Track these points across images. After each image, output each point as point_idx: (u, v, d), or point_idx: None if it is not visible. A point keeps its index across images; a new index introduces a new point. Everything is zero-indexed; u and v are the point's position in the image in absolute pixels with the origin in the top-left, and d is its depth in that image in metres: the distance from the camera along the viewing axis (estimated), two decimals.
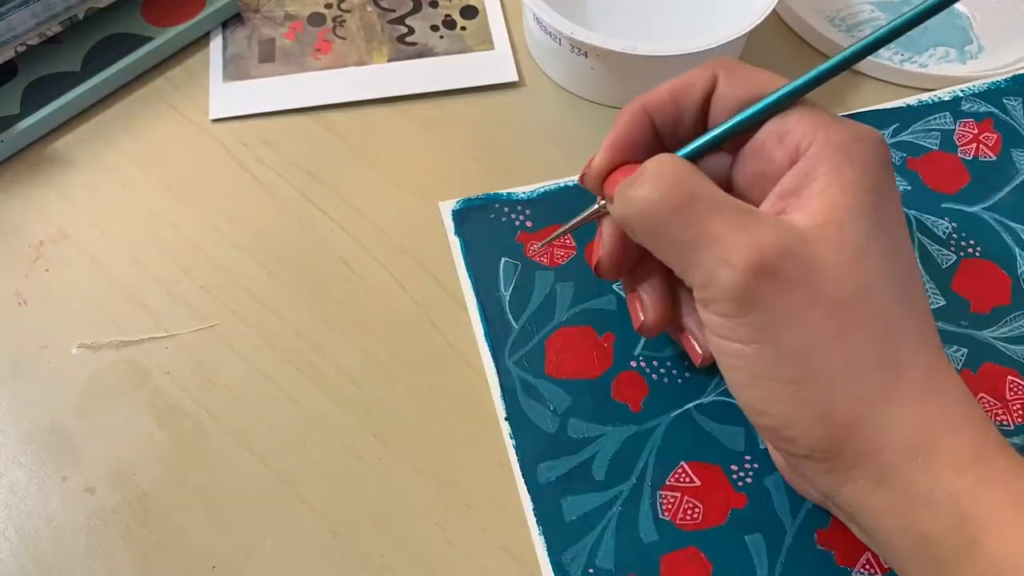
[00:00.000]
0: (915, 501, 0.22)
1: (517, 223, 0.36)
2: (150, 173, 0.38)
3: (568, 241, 0.36)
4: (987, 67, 0.42)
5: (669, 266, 0.25)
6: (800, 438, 0.23)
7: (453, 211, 0.37)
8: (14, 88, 0.39)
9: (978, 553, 0.21)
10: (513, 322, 0.34)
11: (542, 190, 0.37)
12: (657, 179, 0.24)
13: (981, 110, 0.40)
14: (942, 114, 0.39)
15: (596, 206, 0.29)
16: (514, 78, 0.41)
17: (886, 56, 0.42)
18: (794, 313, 0.22)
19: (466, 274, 0.35)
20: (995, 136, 0.39)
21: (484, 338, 0.33)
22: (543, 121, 0.40)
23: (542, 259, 0.35)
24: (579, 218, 0.30)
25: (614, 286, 0.35)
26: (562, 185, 0.37)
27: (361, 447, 0.31)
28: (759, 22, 0.37)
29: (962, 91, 0.40)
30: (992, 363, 0.33)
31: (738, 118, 0.26)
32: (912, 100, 0.40)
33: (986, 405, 0.32)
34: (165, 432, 0.32)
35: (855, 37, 0.43)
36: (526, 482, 0.30)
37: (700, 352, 0.29)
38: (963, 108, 0.40)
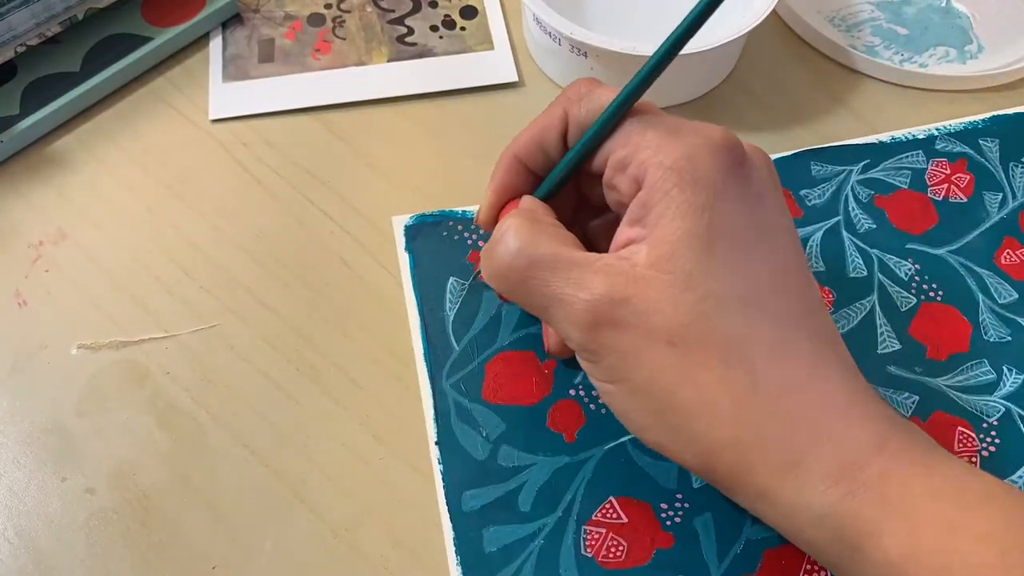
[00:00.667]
0: (797, 514, 0.23)
1: (469, 241, 0.36)
2: (150, 173, 0.38)
3: None
4: (987, 67, 0.42)
5: None
6: (676, 460, 0.25)
7: (406, 226, 0.36)
8: (14, 88, 0.39)
9: (863, 560, 0.22)
10: (454, 343, 0.33)
11: None
12: (507, 250, 0.25)
13: (956, 150, 0.39)
14: (915, 152, 0.39)
15: None
16: (514, 78, 0.41)
17: (886, 56, 0.42)
18: (637, 353, 0.23)
19: (412, 292, 0.34)
20: (968, 177, 0.38)
21: (423, 359, 0.33)
22: None
23: None
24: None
25: None
26: None
27: (361, 447, 0.31)
28: (759, 22, 0.37)
29: (937, 130, 0.39)
30: (943, 412, 0.32)
31: (573, 150, 0.27)
32: (885, 137, 0.39)
33: None
34: (165, 432, 0.32)
35: (855, 37, 0.43)
36: (449, 510, 0.30)
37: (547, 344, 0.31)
38: (937, 147, 0.39)
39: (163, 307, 0.34)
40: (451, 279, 0.35)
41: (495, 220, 0.30)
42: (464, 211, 0.36)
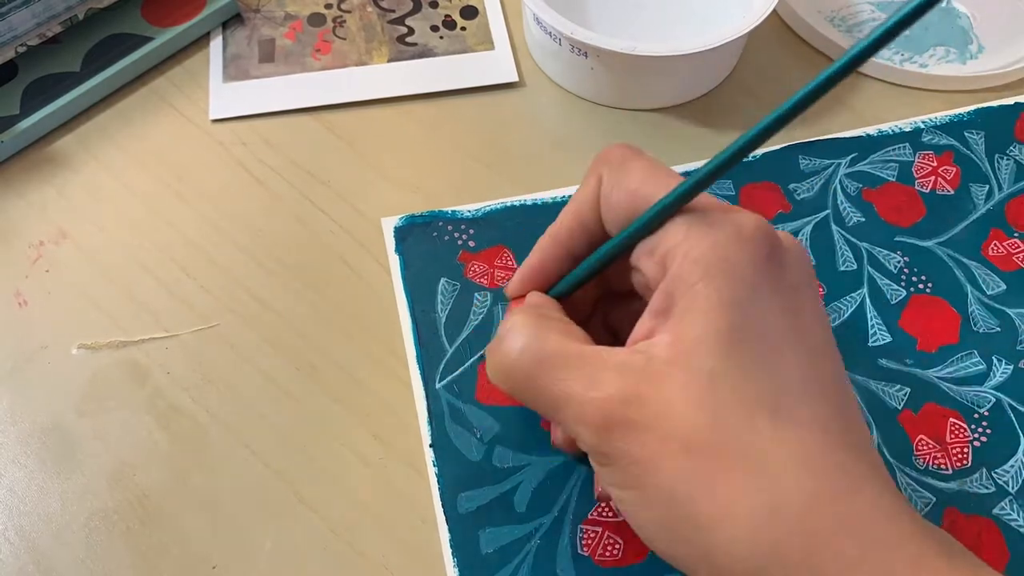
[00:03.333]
0: None
1: (460, 242, 0.35)
2: (150, 173, 0.38)
3: (509, 262, 0.35)
4: (987, 67, 0.42)
5: None
6: (689, 574, 0.22)
7: (395, 228, 0.36)
8: (14, 88, 0.39)
9: None
10: (447, 344, 0.33)
11: (487, 209, 0.36)
12: (511, 347, 0.24)
13: (942, 142, 0.39)
14: (902, 145, 0.39)
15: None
16: (514, 78, 0.41)
17: (886, 56, 0.42)
18: (652, 459, 0.21)
19: (403, 294, 0.34)
20: (954, 170, 0.38)
21: (416, 361, 0.33)
22: (543, 121, 0.40)
23: (482, 280, 0.35)
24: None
25: None
26: (508, 204, 0.37)
27: (361, 447, 0.31)
28: (759, 22, 0.37)
29: (923, 123, 0.39)
30: (934, 404, 0.32)
31: (595, 255, 0.25)
32: (872, 130, 0.39)
33: (925, 448, 0.31)
34: (165, 432, 0.32)
35: (855, 37, 0.43)
36: (445, 512, 0.29)
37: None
38: (923, 140, 0.39)
39: (163, 307, 0.34)
40: (442, 280, 0.34)
41: (523, 295, 0.28)
42: (454, 211, 0.36)
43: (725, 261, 0.22)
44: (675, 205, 0.22)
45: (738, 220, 0.22)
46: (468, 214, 0.36)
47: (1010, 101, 0.40)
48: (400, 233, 0.36)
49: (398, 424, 0.32)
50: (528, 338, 0.24)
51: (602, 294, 0.29)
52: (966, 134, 0.39)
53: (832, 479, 0.21)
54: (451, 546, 0.29)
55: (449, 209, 0.36)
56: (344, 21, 0.44)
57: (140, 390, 0.33)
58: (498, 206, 0.36)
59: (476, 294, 0.34)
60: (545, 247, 0.27)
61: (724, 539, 0.21)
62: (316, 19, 0.44)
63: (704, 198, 0.23)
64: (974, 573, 0.21)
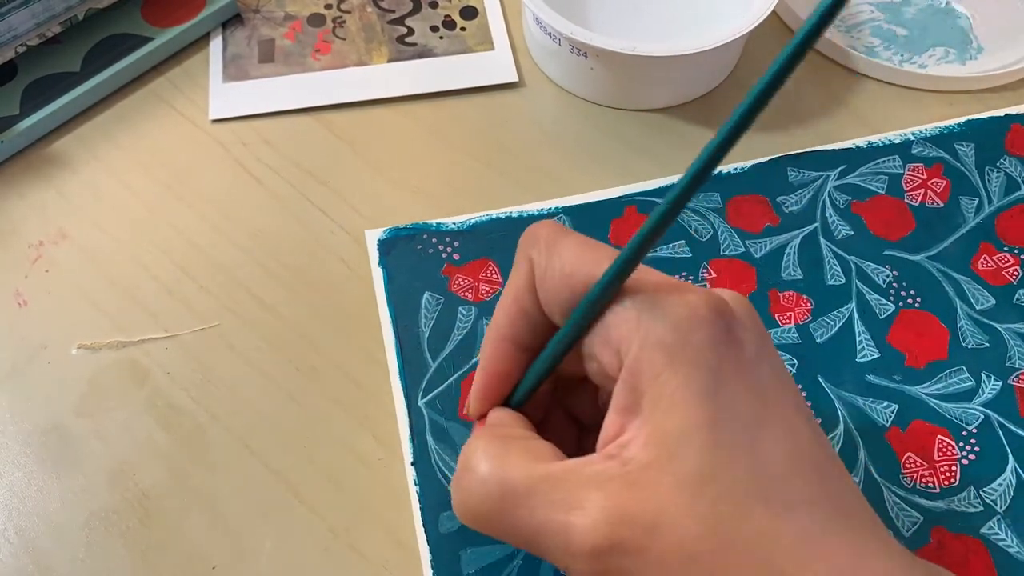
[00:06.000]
0: None
1: (444, 255, 0.35)
2: (150, 173, 0.38)
3: (494, 275, 0.35)
4: (987, 67, 0.42)
5: None
6: None
7: (379, 240, 0.35)
8: (14, 88, 0.39)
9: None
10: (430, 360, 0.33)
11: (472, 221, 0.36)
12: (472, 482, 0.22)
13: (932, 155, 0.38)
14: (891, 157, 0.38)
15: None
16: (514, 78, 0.41)
17: (885, 57, 0.42)
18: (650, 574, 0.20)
19: (386, 308, 0.34)
20: (944, 182, 0.38)
21: (398, 377, 0.32)
22: (543, 121, 0.40)
23: (466, 294, 0.34)
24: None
25: None
26: (493, 216, 0.36)
27: (361, 447, 0.31)
28: (759, 22, 0.37)
29: (913, 134, 0.39)
30: (922, 421, 0.32)
31: (541, 359, 0.24)
32: (861, 142, 0.39)
33: (913, 466, 0.31)
34: (165, 432, 0.32)
35: (855, 38, 0.43)
36: (426, 532, 0.29)
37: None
38: (913, 152, 0.38)
39: (163, 307, 0.34)
40: (426, 294, 0.34)
41: (485, 413, 0.26)
42: (439, 223, 0.36)
43: (685, 347, 0.20)
44: (616, 282, 0.21)
45: (690, 300, 0.21)
46: (453, 226, 0.36)
47: (1000, 113, 0.40)
48: (384, 246, 0.35)
49: (398, 424, 0.32)
50: (489, 469, 0.22)
51: (556, 383, 0.27)
52: (956, 146, 0.39)
53: (840, 556, 0.20)
54: (432, 567, 0.29)
55: (434, 221, 0.36)
56: (344, 21, 0.44)
57: (140, 390, 0.33)
58: (483, 218, 0.36)
59: (460, 308, 0.34)
60: (492, 348, 0.25)
61: None
62: (316, 19, 0.44)
63: (649, 275, 0.22)
64: None
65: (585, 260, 0.22)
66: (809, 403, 0.31)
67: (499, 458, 0.22)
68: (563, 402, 0.27)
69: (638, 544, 0.19)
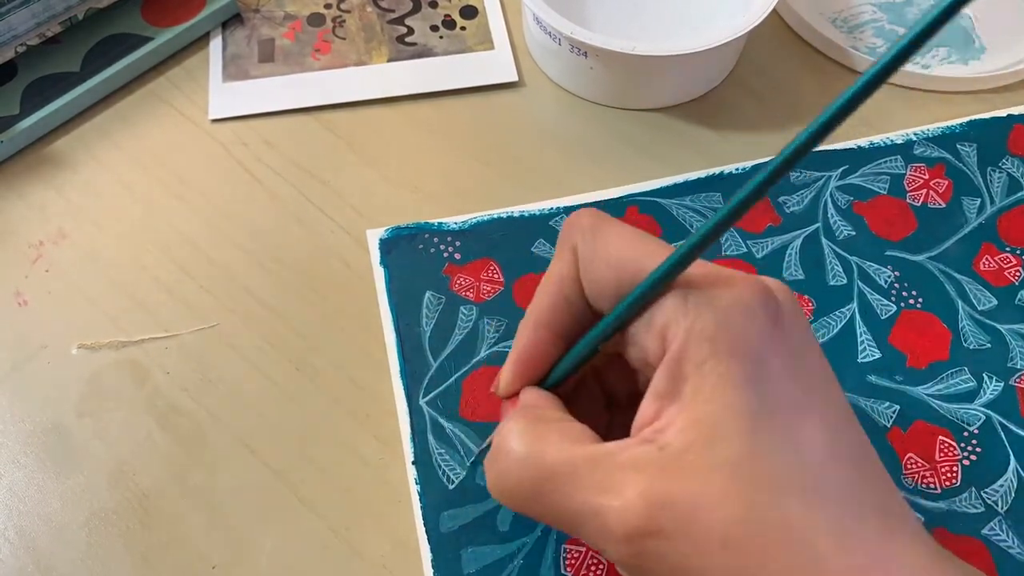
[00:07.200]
0: None
1: (446, 254, 0.35)
2: (150, 173, 0.38)
3: (495, 275, 0.35)
4: (989, 68, 0.42)
5: None
6: None
7: (381, 240, 0.35)
8: (14, 88, 0.39)
9: None
10: (431, 359, 0.33)
11: (474, 221, 0.36)
12: (509, 464, 0.22)
13: (934, 155, 0.38)
14: (893, 157, 0.38)
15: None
16: (514, 78, 0.41)
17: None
18: (688, 562, 0.20)
19: (387, 307, 0.34)
20: (946, 183, 0.37)
21: (399, 376, 0.32)
22: (543, 121, 0.40)
23: (468, 293, 0.34)
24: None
25: None
26: (494, 216, 0.36)
27: (362, 447, 0.31)
28: (759, 22, 0.37)
29: (915, 135, 0.39)
30: (924, 421, 0.31)
31: (585, 341, 0.24)
32: (863, 142, 0.39)
33: (914, 467, 0.31)
34: (165, 432, 0.32)
35: (857, 38, 0.43)
36: (427, 531, 0.29)
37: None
38: (915, 152, 0.38)
39: (163, 307, 0.34)
40: (427, 293, 0.34)
41: (516, 394, 0.26)
42: (440, 223, 0.36)
43: (733, 336, 0.20)
44: (669, 276, 0.21)
45: (738, 288, 0.21)
46: (454, 226, 0.36)
47: (1003, 113, 0.40)
48: (385, 245, 0.35)
49: (398, 424, 0.32)
50: (526, 451, 0.22)
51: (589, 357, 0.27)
52: (958, 146, 0.39)
53: (872, 543, 0.20)
54: (432, 566, 0.29)
55: (436, 221, 0.36)
56: (344, 21, 0.44)
57: (140, 390, 0.33)
58: (484, 217, 0.36)
59: (462, 308, 0.34)
60: (529, 333, 0.25)
61: None
62: (316, 19, 0.44)
63: (696, 264, 0.22)
64: None
65: (634, 250, 0.22)
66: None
67: (537, 440, 0.22)
68: (598, 374, 0.27)
69: (675, 528, 0.20)
